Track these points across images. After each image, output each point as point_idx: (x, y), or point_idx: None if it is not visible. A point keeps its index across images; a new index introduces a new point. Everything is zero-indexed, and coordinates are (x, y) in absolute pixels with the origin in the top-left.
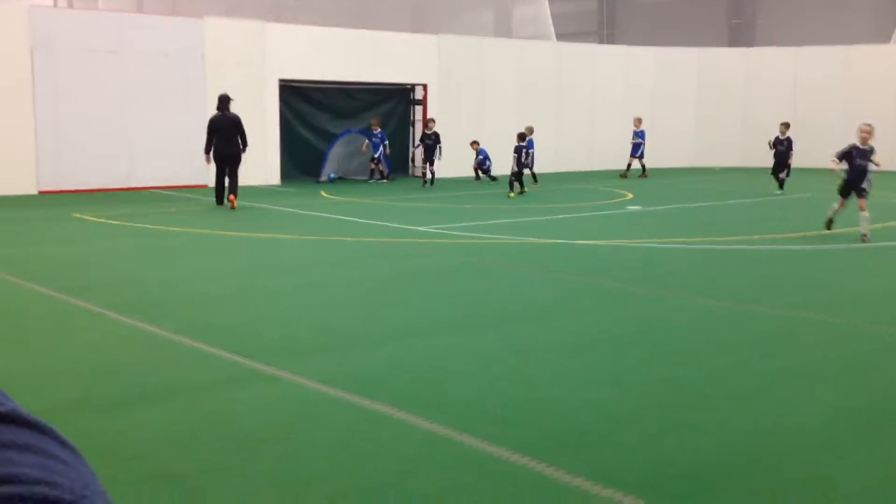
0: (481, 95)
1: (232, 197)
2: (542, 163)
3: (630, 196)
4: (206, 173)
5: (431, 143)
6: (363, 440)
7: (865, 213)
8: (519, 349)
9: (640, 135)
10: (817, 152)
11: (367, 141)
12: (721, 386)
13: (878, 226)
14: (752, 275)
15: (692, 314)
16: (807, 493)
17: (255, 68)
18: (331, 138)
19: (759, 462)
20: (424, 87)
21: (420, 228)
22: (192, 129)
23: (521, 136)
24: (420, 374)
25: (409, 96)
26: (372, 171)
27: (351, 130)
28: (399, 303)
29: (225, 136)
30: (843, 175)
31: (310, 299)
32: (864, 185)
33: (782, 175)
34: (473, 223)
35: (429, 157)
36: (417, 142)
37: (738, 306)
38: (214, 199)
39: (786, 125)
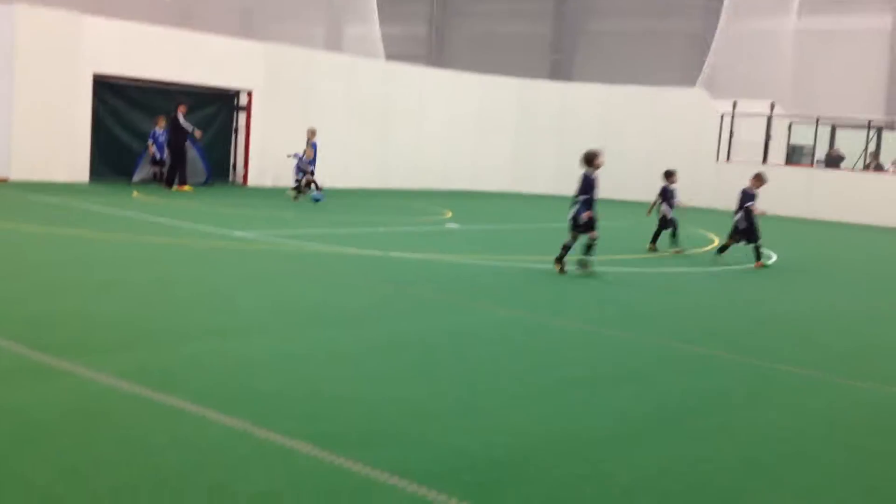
0: (307, 106)
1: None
2: (366, 178)
3: (449, 214)
4: (6, 167)
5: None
6: (158, 434)
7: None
8: (329, 350)
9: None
10: (633, 182)
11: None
12: (517, 388)
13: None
14: (555, 291)
15: (498, 324)
16: (588, 485)
17: (67, 60)
18: (145, 138)
19: (544, 457)
20: (249, 93)
21: (238, 233)
22: None
23: None
24: (223, 371)
25: (234, 102)
26: (154, 174)
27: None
28: (208, 303)
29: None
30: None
31: (112, 296)
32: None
33: (759, 242)
34: (292, 231)
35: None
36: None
37: (540, 318)
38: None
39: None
